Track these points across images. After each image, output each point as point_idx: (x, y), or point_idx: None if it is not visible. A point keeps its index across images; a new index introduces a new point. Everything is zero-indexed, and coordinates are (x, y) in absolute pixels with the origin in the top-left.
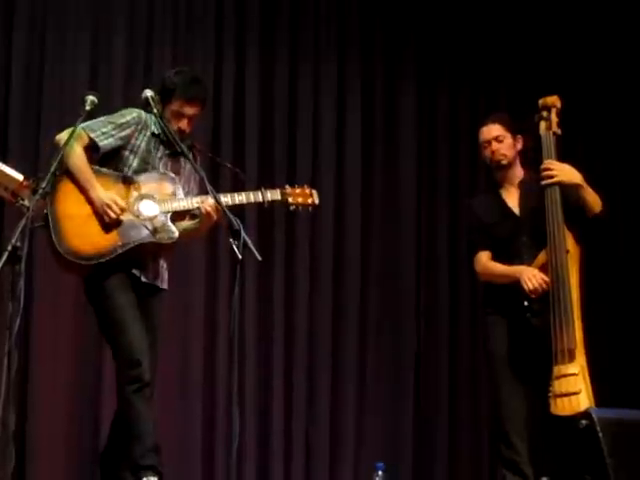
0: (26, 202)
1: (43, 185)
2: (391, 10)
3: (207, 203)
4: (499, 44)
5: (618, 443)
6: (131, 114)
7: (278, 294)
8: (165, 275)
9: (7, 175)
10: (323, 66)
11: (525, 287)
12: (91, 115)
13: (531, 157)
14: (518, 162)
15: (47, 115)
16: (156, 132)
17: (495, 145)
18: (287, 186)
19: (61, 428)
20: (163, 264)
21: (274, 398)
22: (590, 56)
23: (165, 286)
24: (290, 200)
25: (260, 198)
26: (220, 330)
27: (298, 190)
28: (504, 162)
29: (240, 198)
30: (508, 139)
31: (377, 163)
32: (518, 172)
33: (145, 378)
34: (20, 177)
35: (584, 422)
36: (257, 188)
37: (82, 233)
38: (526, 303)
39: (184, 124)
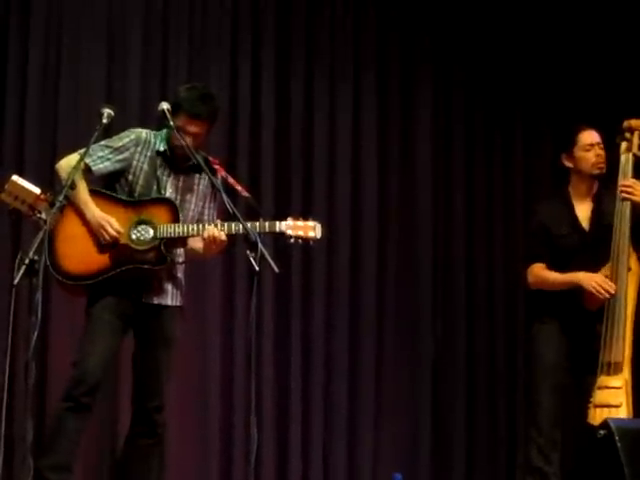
0: (43, 215)
1: (60, 198)
2: (406, 11)
3: (208, 231)
4: (516, 47)
5: (636, 453)
6: (129, 137)
7: (295, 303)
8: (174, 291)
9: (24, 188)
10: (338, 70)
11: (593, 290)
12: (108, 128)
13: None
14: None
15: (63, 118)
16: (162, 149)
17: (599, 150)
18: (289, 218)
19: None
20: (170, 282)
21: (292, 406)
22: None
23: (175, 302)
24: (290, 233)
25: (257, 229)
26: (237, 341)
27: (300, 223)
28: (603, 171)
29: (236, 228)
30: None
31: (393, 167)
32: (596, 185)
33: (83, 401)
34: (37, 190)
35: (602, 432)
36: (274, 192)
37: (73, 253)
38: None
39: (188, 141)
